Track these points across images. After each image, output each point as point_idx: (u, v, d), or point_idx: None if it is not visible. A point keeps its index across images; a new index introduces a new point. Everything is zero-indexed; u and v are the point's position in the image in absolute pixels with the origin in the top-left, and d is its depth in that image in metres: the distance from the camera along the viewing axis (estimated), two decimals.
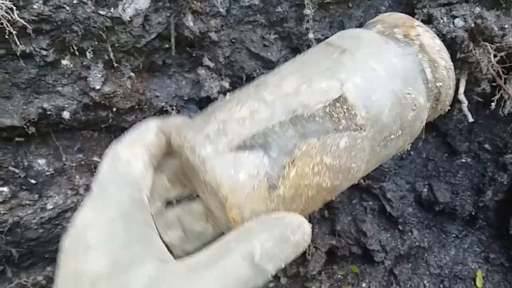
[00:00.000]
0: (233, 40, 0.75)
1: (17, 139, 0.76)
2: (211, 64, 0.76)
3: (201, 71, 0.76)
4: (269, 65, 0.78)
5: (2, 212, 0.78)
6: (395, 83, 0.37)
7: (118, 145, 0.35)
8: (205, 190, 0.33)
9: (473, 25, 0.67)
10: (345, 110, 0.34)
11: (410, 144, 0.45)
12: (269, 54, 0.77)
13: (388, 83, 0.37)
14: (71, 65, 0.70)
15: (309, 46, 0.76)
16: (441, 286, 1.04)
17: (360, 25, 0.78)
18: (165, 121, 0.37)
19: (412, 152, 0.99)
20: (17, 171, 0.77)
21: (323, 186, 0.34)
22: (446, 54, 0.42)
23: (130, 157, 0.33)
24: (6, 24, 0.57)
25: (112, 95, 0.72)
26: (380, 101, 0.36)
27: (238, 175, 0.31)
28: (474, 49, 0.69)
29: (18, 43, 0.61)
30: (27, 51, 0.65)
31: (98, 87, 0.70)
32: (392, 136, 0.38)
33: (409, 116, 0.38)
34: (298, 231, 0.29)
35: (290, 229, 0.29)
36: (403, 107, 0.37)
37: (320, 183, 0.33)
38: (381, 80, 0.37)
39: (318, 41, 0.76)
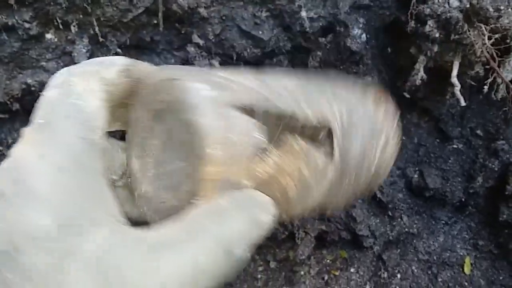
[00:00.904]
0: (224, 17, 0.73)
1: (0, 115, 0.74)
2: (201, 42, 0.74)
3: (190, 49, 0.74)
4: (260, 44, 0.76)
5: None
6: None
7: (71, 73, 0.28)
8: (174, 139, 0.31)
9: (468, 5, 0.66)
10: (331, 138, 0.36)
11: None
12: (260, 32, 0.75)
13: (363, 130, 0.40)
14: (55, 39, 0.67)
15: (301, 25, 0.75)
16: (429, 272, 1.04)
17: (354, 4, 0.76)
18: (135, 62, 0.31)
19: (403, 138, 0.98)
20: (0, 148, 0.76)
21: (288, 193, 0.33)
22: None
23: (85, 90, 0.27)
24: None
25: None
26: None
27: (230, 133, 0.29)
28: (469, 31, 0.67)
29: None
30: (9, 23, 0.63)
31: None
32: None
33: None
34: (268, 213, 0.27)
35: (261, 210, 0.27)
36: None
37: (287, 187, 0.32)
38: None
39: (311, 20, 0.74)
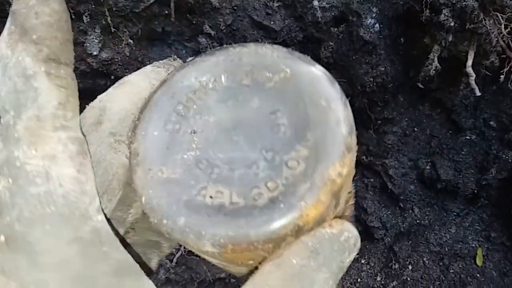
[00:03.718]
0: (235, 8, 0.72)
1: None
2: (212, 32, 0.74)
3: (202, 40, 0.74)
4: (272, 35, 0.75)
5: None
6: None
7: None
8: (260, 118, 0.28)
9: None
10: None
11: None
12: (272, 23, 0.74)
13: None
14: None
15: (313, 15, 0.74)
16: (441, 263, 1.04)
17: None
18: None
19: (416, 129, 0.97)
20: None
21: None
22: None
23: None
24: None
25: (110, 62, 0.70)
26: None
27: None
28: (484, 20, 0.66)
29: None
30: None
31: (95, 53, 0.68)
32: None
33: None
34: (356, 252, 0.27)
35: (351, 253, 0.27)
36: None
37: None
38: None
39: (323, 9, 0.74)
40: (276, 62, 0.29)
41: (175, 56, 0.34)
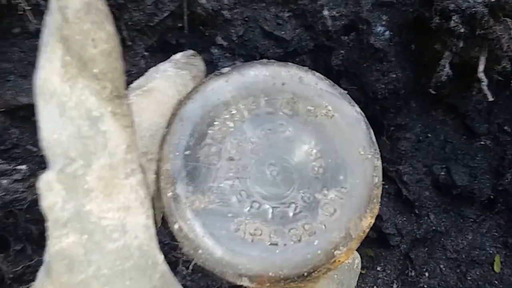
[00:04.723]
0: (246, 19, 0.74)
1: (34, 118, 0.77)
2: (224, 43, 0.75)
3: (214, 51, 0.76)
4: (283, 44, 0.77)
5: (21, 189, 0.79)
6: None
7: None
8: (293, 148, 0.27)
9: (493, 0, 0.65)
10: None
11: None
12: (282, 32, 0.76)
13: None
14: None
15: (324, 24, 0.75)
16: (458, 270, 1.02)
17: (376, 1, 0.76)
18: None
19: (429, 135, 0.97)
20: (34, 149, 0.79)
21: None
22: None
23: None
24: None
25: (127, 74, 0.72)
26: None
27: None
28: (495, 25, 0.67)
29: (32, 20, 0.61)
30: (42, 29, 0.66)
31: None
32: None
33: None
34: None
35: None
36: None
37: None
38: None
39: (333, 18, 0.75)
40: (319, 95, 0.28)
41: (193, 51, 0.33)
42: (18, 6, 0.59)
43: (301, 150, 0.28)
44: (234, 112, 0.28)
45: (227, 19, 0.72)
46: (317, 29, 0.77)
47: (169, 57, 0.77)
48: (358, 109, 0.28)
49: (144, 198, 0.24)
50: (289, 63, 0.29)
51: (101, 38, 0.22)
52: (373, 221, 0.27)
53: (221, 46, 0.76)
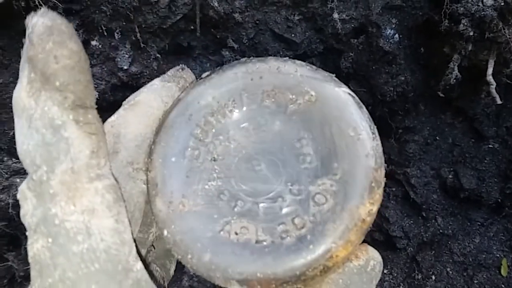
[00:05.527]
0: (257, 22, 0.75)
1: None
2: (235, 46, 0.76)
3: (225, 53, 0.77)
4: (293, 47, 0.78)
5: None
6: None
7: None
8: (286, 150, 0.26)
9: (503, 3, 0.65)
10: None
11: None
12: (293, 35, 0.77)
13: None
14: (100, 46, 0.71)
15: (333, 27, 0.76)
16: (465, 274, 1.02)
17: (386, 4, 0.77)
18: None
19: (438, 137, 0.97)
20: None
21: None
22: None
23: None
24: (38, 2, 0.59)
25: (139, 76, 0.74)
26: None
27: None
28: (504, 29, 0.67)
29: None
30: None
31: (125, 67, 0.72)
32: None
33: None
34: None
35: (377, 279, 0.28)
36: None
37: None
38: None
39: (343, 21, 0.76)
40: (299, 82, 0.26)
41: (184, 65, 0.33)
42: (36, 9, 0.61)
43: (286, 141, 0.26)
44: (216, 113, 0.28)
45: (238, 22, 0.73)
46: (327, 32, 0.77)
47: (181, 59, 0.78)
48: (347, 90, 0.26)
49: (113, 202, 0.24)
50: (269, 57, 0.28)
51: (63, 54, 0.24)
52: (374, 208, 0.24)
53: (232, 48, 0.77)
